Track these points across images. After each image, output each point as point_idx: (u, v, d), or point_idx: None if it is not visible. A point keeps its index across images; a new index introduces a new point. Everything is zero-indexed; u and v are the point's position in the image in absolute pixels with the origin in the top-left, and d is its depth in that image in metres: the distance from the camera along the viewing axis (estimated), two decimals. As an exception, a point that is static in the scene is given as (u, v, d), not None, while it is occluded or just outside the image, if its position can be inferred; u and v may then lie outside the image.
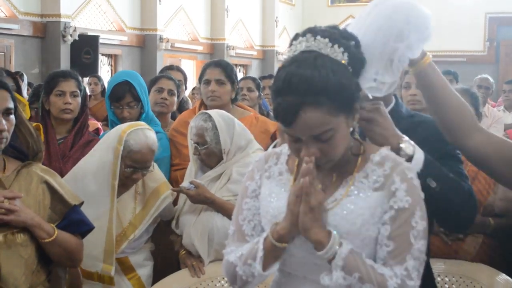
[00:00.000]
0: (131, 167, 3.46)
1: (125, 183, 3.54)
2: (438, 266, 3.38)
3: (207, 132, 3.59)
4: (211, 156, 3.62)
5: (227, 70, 4.45)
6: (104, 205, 3.42)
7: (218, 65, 4.48)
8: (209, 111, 3.70)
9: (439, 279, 3.35)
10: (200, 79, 4.49)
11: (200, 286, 3.42)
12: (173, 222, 3.73)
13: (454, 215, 2.34)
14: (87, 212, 2.92)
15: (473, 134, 2.35)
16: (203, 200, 3.52)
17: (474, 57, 21.37)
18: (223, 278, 3.36)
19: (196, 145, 3.64)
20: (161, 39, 16.18)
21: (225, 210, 3.46)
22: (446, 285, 3.38)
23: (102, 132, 4.98)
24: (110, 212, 3.42)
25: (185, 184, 3.60)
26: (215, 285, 3.41)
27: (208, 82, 4.38)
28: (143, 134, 3.49)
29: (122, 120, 4.19)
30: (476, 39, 21.75)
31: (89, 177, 3.46)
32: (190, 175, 3.72)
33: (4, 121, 2.62)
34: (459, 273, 3.40)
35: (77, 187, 3.25)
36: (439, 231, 3.62)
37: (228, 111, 4.23)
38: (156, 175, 3.67)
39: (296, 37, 2.06)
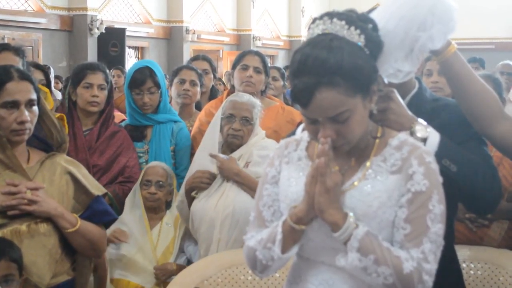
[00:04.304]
0: (146, 181, 3.90)
1: (150, 207, 3.91)
2: (463, 252, 3.34)
3: (254, 110, 3.65)
4: (249, 135, 3.64)
5: (265, 61, 4.52)
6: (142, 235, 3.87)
7: (257, 54, 4.55)
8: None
9: (464, 265, 3.32)
10: (235, 65, 4.51)
11: (225, 273, 3.43)
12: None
13: (477, 196, 2.33)
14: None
15: (499, 122, 2.35)
16: (231, 170, 3.53)
17: (503, 44, 21.11)
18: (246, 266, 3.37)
19: (245, 119, 3.64)
20: (187, 30, 16.23)
21: (250, 184, 3.47)
22: (471, 271, 3.35)
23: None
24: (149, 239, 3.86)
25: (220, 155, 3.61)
26: (240, 272, 3.41)
27: (246, 68, 4.41)
28: (158, 160, 4.09)
29: (143, 107, 4.24)
30: (505, 26, 21.47)
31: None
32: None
33: (27, 113, 2.65)
34: (484, 259, 3.36)
35: None
36: (464, 217, 3.61)
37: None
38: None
39: (313, 21, 2.07)
